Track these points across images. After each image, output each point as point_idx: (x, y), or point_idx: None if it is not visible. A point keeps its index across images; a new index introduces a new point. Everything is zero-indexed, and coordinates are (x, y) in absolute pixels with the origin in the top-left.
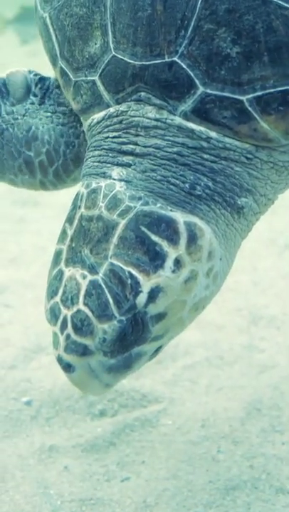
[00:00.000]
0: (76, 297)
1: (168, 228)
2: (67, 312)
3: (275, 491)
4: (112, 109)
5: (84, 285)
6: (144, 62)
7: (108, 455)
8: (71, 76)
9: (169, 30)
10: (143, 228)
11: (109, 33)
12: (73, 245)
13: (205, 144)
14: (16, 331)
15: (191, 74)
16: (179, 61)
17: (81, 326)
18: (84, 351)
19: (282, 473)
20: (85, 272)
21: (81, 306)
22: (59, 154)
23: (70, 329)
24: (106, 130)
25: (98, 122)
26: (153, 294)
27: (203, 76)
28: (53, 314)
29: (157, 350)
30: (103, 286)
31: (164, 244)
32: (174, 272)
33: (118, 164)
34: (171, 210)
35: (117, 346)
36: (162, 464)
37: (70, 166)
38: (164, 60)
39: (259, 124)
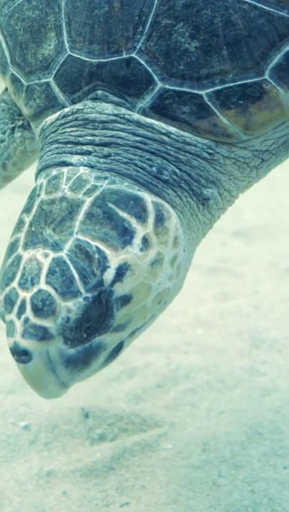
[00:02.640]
0: (37, 277)
1: (136, 206)
2: (26, 294)
3: None
4: (66, 109)
5: (46, 264)
6: (101, 60)
7: (107, 480)
8: (23, 81)
9: (127, 27)
10: (110, 205)
11: (64, 32)
12: (33, 229)
13: (166, 139)
14: None
15: (150, 70)
16: (137, 57)
17: (42, 306)
18: (44, 335)
19: (283, 497)
20: (48, 251)
21: (42, 286)
22: None
23: (29, 312)
24: (61, 128)
25: (52, 123)
26: (121, 271)
27: (162, 71)
28: (9, 301)
29: (117, 350)
30: (68, 262)
31: (133, 221)
32: (141, 250)
33: (78, 153)
34: (138, 190)
35: (79, 332)
36: (162, 488)
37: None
38: (121, 57)
39: (219, 119)
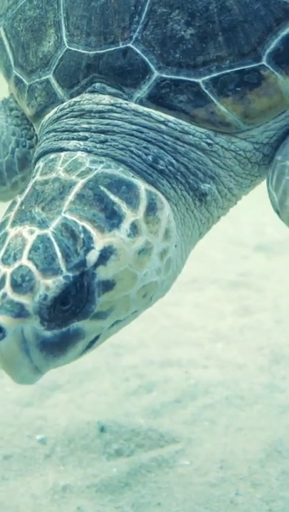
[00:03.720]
0: (20, 253)
1: (128, 191)
2: (7, 270)
3: None
4: (64, 104)
5: (30, 240)
6: (98, 51)
7: (123, 496)
8: (25, 81)
9: (123, 17)
10: (102, 188)
11: (63, 27)
12: (23, 208)
13: (163, 127)
14: None
15: (146, 59)
16: (133, 47)
17: (21, 282)
18: (20, 312)
19: None
20: (34, 228)
21: (24, 261)
22: (7, 150)
23: (7, 287)
24: (58, 120)
25: (49, 117)
26: (105, 254)
27: (158, 60)
28: None
29: (94, 340)
30: (52, 239)
31: (123, 206)
32: (129, 235)
33: (74, 139)
34: (132, 177)
35: (57, 314)
36: (179, 506)
37: (15, 165)
38: (118, 47)
39: (216, 107)
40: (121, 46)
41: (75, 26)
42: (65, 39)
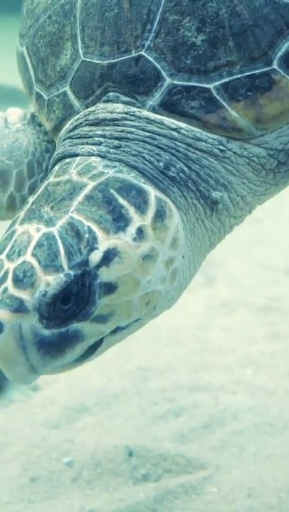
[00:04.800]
0: (24, 249)
1: (138, 196)
2: (10, 265)
3: None
4: (79, 114)
5: (36, 237)
6: (111, 61)
7: None
8: (44, 96)
9: (136, 26)
10: (112, 191)
11: (79, 40)
12: (33, 207)
13: (176, 134)
14: (61, 390)
15: (158, 66)
16: (145, 54)
17: (23, 277)
18: (19, 307)
19: None
20: (41, 226)
21: (27, 257)
22: (41, 168)
23: (9, 281)
24: (74, 130)
25: (66, 129)
26: (108, 256)
27: (170, 67)
28: None
29: (95, 346)
30: (57, 237)
31: (131, 210)
32: (134, 240)
33: (89, 144)
34: (144, 183)
35: (56, 312)
36: None
37: None
38: (131, 56)
39: (228, 112)
40: (134, 54)
41: (90, 38)
42: (80, 51)
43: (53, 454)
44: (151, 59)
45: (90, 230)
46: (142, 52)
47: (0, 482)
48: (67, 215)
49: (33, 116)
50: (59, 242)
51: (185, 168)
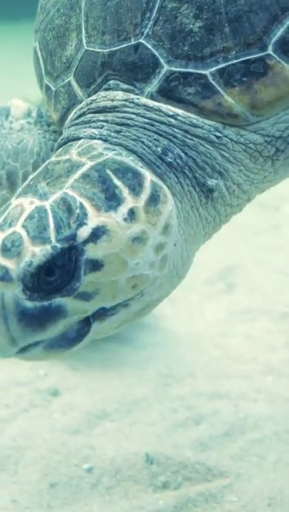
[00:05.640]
0: (16, 220)
1: (133, 178)
2: (1, 235)
3: None
4: (82, 103)
5: (28, 209)
6: (112, 49)
7: None
8: (52, 87)
9: (135, 14)
10: (108, 171)
11: (83, 30)
12: (31, 183)
13: (173, 121)
14: (81, 396)
15: (156, 53)
16: (144, 42)
17: (10, 246)
18: (3, 275)
19: None
20: (35, 199)
21: (18, 228)
22: None
23: None
24: (77, 118)
25: (70, 118)
26: (97, 233)
27: (168, 54)
28: None
29: (83, 332)
30: (48, 210)
31: (125, 191)
32: (125, 220)
33: (91, 127)
34: (141, 167)
35: (40, 284)
36: None
37: None
38: (130, 43)
39: (223, 98)
40: (133, 42)
41: (92, 27)
42: (84, 41)
43: (72, 459)
44: (149, 46)
45: (82, 206)
46: (141, 40)
47: (19, 487)
48: (62, 190)
49: (40, 115)
50: (50, 215)
51: (182, 154)
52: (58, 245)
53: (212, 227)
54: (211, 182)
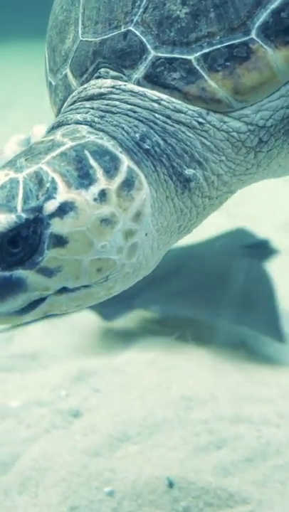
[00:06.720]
0: None
1: (110, 161)
2: None
3: None
4: (74, 93)
5: (2, 180)
6: (103, 37)
7: None
8: (53, 82)
9: (126, 3)
10: (86, 152)
11: (80, 22)
12: (13, 160)
13: (156, 105)
14: (102, 417)
15: (144, 39)
16: (133, 29)
17: None
18: None
19: None
20: (11, 172)
21: None
22: None
23: None
24: (67, 106)
25: (63, 108)
26: (64, 208)
27: (155, 40)
28: None
29: (38, 302)
30: (20, 182)
31: (99, 172)
32: (95, 200)
33: (78, 113)
34: (120, 152)
35: (3, 255)
36: None
37: None
38: (120, 31)
39: (207, 83)
40: (122, 30)
41: (87, 18)
42: (80, 32)
43: (93, 482)
44: (138, 33)
45: (53, 181)
46: (130, 27)
47: (40, 509)
48: (37, 165)
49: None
50: (20, 186)
51: (161, 142)
52: (23, 215)
53: (187, 219)
54: (188, 172)
